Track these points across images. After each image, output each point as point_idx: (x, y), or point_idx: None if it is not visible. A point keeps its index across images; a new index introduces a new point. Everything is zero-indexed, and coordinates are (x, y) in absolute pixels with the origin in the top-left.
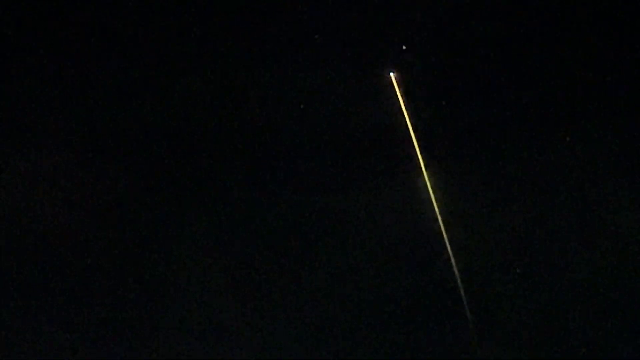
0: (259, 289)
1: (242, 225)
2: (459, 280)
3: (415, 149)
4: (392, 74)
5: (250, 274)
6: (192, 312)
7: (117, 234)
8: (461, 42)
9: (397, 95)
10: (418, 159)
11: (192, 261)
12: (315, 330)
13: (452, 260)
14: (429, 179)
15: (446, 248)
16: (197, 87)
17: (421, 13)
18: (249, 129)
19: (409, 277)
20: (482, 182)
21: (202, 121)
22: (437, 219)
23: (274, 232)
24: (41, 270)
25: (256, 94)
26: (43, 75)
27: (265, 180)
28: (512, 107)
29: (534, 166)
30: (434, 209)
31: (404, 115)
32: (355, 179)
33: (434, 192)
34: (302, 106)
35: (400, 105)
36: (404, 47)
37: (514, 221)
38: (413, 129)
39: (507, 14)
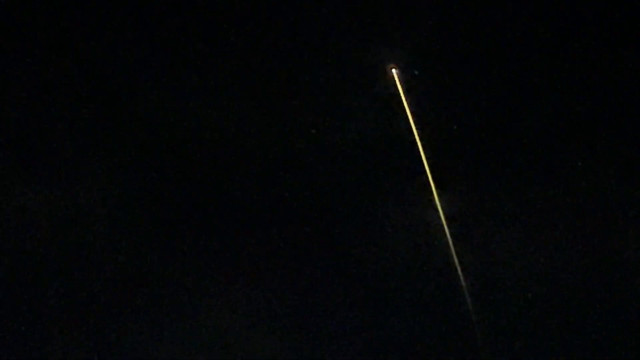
0: (272, 315)
1: (244, 242)
2: (463, 284)
3: (417, 146)
4: (393, 70)
5: (260, 297)
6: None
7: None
8: (465, 37)
9: (398, 91)
10: (421, 157)
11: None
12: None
13: (455, 261)
14: (432, 176)
15: (450, 249)
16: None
17: (424, 7)
18: (250, 124)
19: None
20: (486, 178)
21: (196, 120)
22: (439, 217)
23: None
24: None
25: (256, 93)
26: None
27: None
28: (518, 103)
29: (538, 167)
30: (437, 208)
31: (405, 112)
32: (355, 176)
33: (437, 190)
34: (300, 103)
35: (402, 101)
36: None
37: (521, 224)
38: (415, 125)
39: (514, 10)
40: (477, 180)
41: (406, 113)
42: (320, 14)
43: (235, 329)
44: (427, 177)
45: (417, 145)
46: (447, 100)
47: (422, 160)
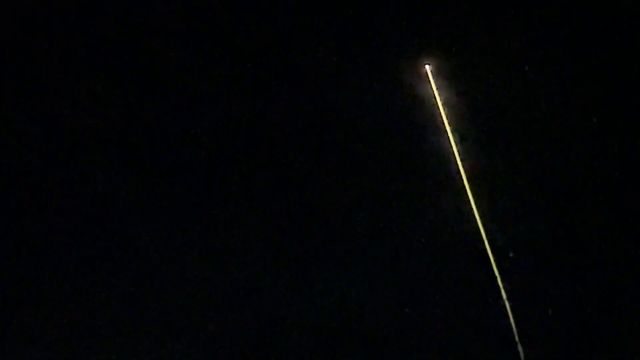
0: None
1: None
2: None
3: (450, 144)
4: (427, 66)
5: None
6: None
7: None
8: (500, 32)
9: (432, 88)
10: (454, 154)
11: None
12: None
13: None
14: (466, 175)
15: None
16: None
17: (458, 2)
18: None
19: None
20: (521, 180)
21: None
22: (472, 211)
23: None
24: None
25: (286, 88)
26: None
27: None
28: (555, 101)
29: (579, 167)
30: (469, 203)
31: (439, 109)
32: (385, 174)
33: (470, 188)
34: (328, 100)
35: (435, 99)
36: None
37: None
38: (449, 123)
39: (548, 7)
40: (512, 174)
41: (439, 109)
42: (353, 5)
43: None
44: (460, 173)
45: (449, 139)
46: (482, 95)
47: (455, 156)
